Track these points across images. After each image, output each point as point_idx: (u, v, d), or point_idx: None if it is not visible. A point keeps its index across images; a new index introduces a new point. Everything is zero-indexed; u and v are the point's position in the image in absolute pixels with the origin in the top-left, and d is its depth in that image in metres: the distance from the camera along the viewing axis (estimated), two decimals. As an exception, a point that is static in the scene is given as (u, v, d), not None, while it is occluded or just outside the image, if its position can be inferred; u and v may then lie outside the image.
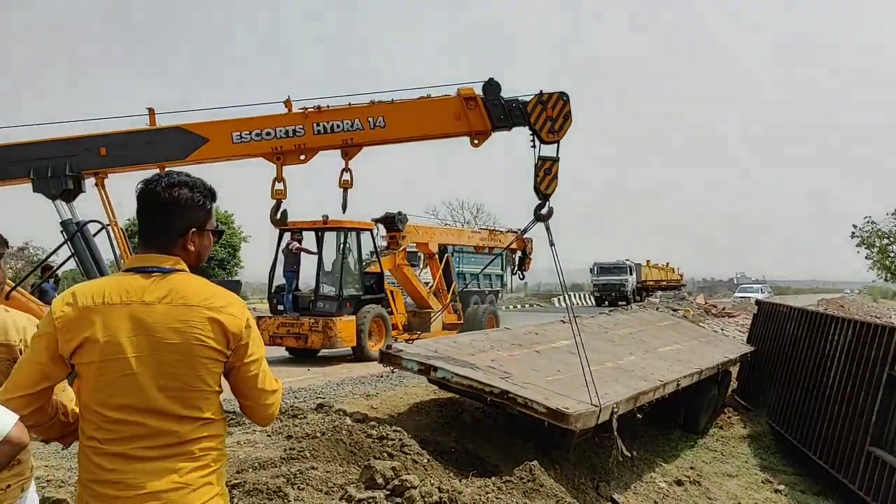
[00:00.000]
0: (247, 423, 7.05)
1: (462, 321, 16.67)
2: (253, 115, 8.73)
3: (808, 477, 10.81)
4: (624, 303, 36.67)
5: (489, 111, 8.01)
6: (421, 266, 19.16)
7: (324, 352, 13.69)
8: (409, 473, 5.24)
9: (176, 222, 2.20)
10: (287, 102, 8.65)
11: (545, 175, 7.73)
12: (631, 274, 41.18)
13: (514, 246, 18.13)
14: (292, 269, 13.83)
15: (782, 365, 13.79)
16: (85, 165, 8.47)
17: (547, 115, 7.72)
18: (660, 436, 10.88)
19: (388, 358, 7.51)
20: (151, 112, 8.64)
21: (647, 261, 45.96)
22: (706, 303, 32.57)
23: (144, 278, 2.13)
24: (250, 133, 8.46)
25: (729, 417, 13.54)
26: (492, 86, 8.05)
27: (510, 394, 6.58)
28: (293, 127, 8.48)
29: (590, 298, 42.92)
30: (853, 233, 38.96)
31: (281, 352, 13.69)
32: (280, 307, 13.65)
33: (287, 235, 13.88)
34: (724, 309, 30.04)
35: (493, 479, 5.41)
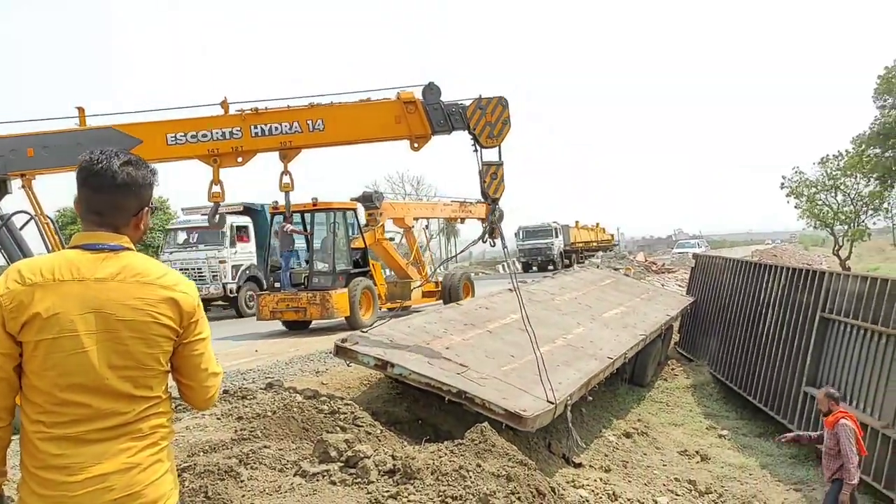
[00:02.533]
0: (195, 407, 6.95)
1: (440, 289, 17.54)
2: (189, 117, 8.52)
3: (750, 420, 11.26)
4: (552, 267, 35.50)
5: (429, 115, 8.00)
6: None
7: (317, 323, 14.75)
8: (362, 444, 5.26)
9: (132, 202, 2.16)
10: (224, 104, 8.46)
11: (492, 180, 7.87)
12: (557, 236, 38.66)
13: (482, 215, 18.94)
14: (289, 249, 14.86)
15: (721, 316, 14.26)
16: (11, 167, 8.11)
17: (486, 121, 7.79)
18: (608, 391, 11.15)
19: (343, 352, 7.38)
20: (81, 111, 8.29)
21: (577, 222, 43.23)
22: (646, 260, 33.30)
23: (93, 255, 2.07)
24: (185, 135, 8.26)
25: (672, 369, 13.96)
26: (432, 90, 8.03)
27: (468, 394, 6.59)
28: (230, 129, 8.31)
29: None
30: (782, 183, 40.04)
31: (276, 326, 14.84)
32: (277, 284, 14.70)
33: (278, 218, 14.91)
34: (663, 265, 30.79)
35: (446, 443, 5.46)
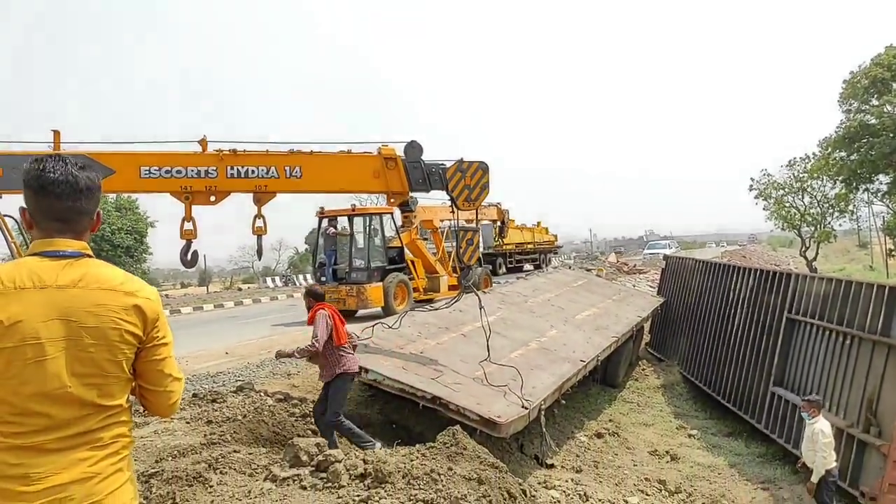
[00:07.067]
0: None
1: None
2: (165, 151, 8.43)
3: (719, 420, 11.38)
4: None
5: (408, 173, 8.03)
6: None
7: (362, 312, 16.02)
8: (333, 448, 5.22)
9: (91, 205, 2.16)
10: (202, 142, 8.38)
11: (467, 246, 7.93)
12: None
13: (494, 217, 23.20)
14: (332, 249, 16.75)
15: (690, 316, 14.40)
16: None
17: (465, 184, 7.84)
18: (579, 392, 11.21)
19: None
20: (56, 135, 8.17)
21: (511, 220, 32.79)
22: (618, 261, 33.64)
23: (54, 262, 2.04)
24: (160, 169, 8.17)
25: (643, 369, 14.08)
26: (413, 147, 8.07)
27: (442, 400, 6.56)
28: (206, 168, 8.22)
29: None
30: (751, 186, 40.70)
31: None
32: (323, 279, 16.53)
33: (324, 222, 16.89)
34: (634, 266, 31.11)
35: (417, 446, 5.45)
